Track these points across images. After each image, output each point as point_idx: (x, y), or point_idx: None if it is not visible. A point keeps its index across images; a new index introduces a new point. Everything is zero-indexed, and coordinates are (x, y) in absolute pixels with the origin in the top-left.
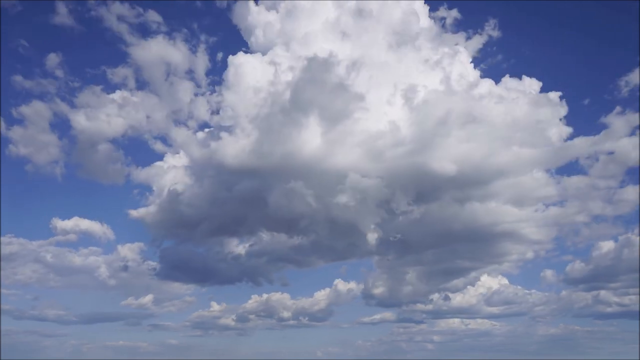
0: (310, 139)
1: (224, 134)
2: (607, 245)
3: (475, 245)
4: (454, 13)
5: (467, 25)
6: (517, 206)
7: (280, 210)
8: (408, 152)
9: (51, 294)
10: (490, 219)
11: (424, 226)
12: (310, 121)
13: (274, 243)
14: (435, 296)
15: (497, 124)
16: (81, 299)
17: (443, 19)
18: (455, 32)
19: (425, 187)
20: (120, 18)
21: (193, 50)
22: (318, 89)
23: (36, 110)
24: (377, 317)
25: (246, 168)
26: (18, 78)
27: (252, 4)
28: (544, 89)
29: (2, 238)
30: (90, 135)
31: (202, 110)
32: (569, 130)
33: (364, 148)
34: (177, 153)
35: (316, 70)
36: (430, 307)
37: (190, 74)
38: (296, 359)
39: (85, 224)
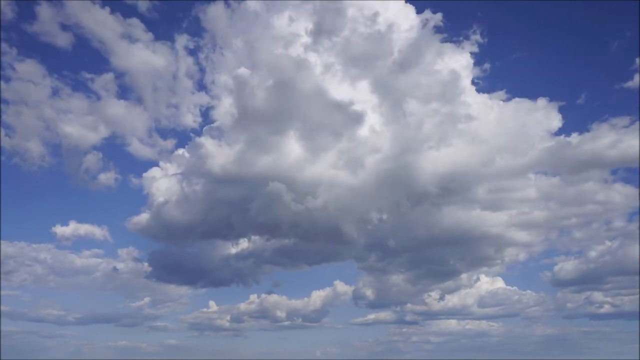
0: (293, 147)
1: (211, 142)
2: (600, 247)
3: (465, 248)
4: (439, 17)
5: (453, 29)
6: (506, 209)
7: (270, 216)
8: (389, 158)
9: (51, 295)
10: (479, 222)
11: (415, 230)
12: (292, 130)
13: (271, 245)
14: (429, 298)
15: (484, 129)
16: (82, 301)
17: (426, 21)
18: (440, 36)
19: (411, 192)
20: (103, 24)
21: (177, 57)
22: (298, 95)
23: (21, 117)
24: (372, 317)
25: (235, 176)
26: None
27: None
28: (531, 94)
29: (1, 241)
30: (77, 143)
31: (188, 117)
32: (555, 133)
33: (348, 155)
34: (165, 161)
35: (295, 75)
36: (424, 308)
37: (174, 80)
38: (298, 359)
39: (83, 228)
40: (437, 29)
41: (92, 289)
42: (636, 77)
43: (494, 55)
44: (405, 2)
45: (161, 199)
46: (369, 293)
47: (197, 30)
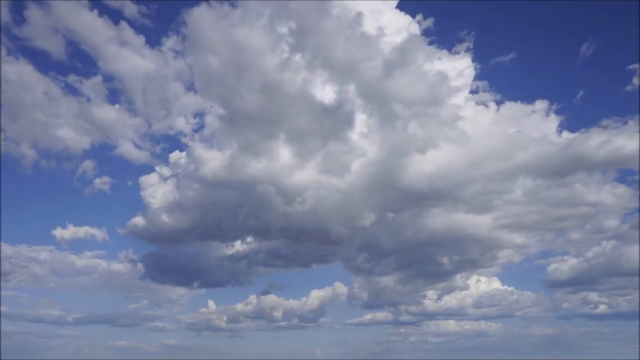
0: (283, 153)
1: (202, 145)
2: (595, 248)
3: (460, 250)
4: (430, 21)
5: (444, 33)
6: (500, 210)
7: (260, 219)
8: (376, 162)
9: (51, 296)
10: (472, 223)
11: (409, 232)
12: (282, 135)
13: (264, 247)
14: (426, 298)
15: (475, 131)
16: (82, 301)
17: (418, 24)
18: (431, 40)
19: (405, 194)
20: (92, 28)
21: (166, 60)
22: (285, 97)
23: (12, 120)
24: (368, 317)
25: (225, 180)
26: None
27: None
28: (524, 96)
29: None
30: (69, 145)
31: (179, 121)
32: (549, 135)
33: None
34: (158, 164)
35: (281, 77)
36: (421, 308)
37: (164, 84)
38: (298, 359)
39: (82, 231)
40: (429, 33)
41: (91, 290)
42: (635, 79)
43: (485, 57)
44: (398, 9)
45: (156, 203)
46: (364, 294)
47: (185, 33)
